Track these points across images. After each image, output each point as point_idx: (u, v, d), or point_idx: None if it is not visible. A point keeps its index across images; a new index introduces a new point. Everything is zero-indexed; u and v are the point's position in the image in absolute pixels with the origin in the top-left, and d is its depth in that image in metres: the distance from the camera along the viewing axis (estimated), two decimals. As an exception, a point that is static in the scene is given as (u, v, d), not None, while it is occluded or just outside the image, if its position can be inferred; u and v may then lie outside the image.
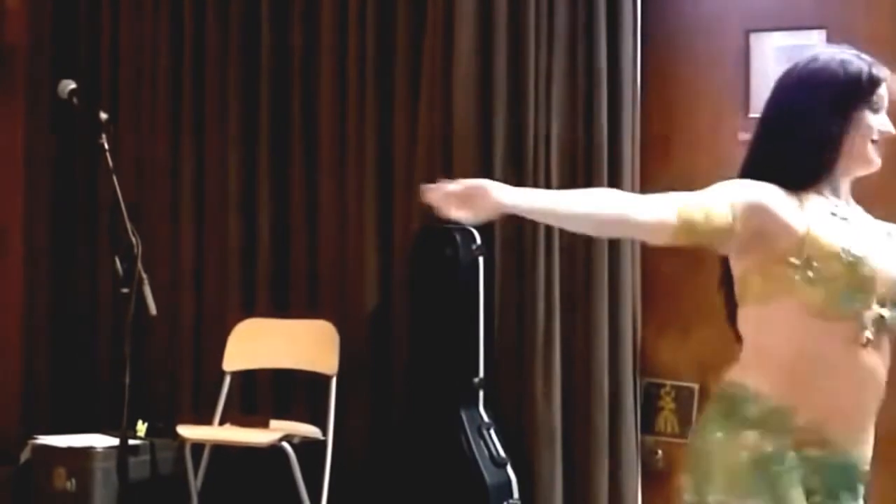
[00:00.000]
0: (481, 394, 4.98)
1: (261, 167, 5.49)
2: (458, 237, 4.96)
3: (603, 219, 2.44)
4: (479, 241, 4.98)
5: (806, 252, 2.52)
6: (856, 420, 2.59)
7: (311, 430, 5.07)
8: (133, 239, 4.16)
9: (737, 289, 2.61)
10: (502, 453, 4.92)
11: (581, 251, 4.93)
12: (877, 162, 2.62)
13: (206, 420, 5.28)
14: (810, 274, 2.51)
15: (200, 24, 5.61)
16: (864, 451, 2.61)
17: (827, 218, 2.57)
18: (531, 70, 5.04)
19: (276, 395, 5.43)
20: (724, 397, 2.59)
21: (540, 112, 5.06)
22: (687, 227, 2.43)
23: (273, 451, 4.95)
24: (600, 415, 4.97)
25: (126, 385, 4.17)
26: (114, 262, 4.23)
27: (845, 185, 2.65)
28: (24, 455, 5.28)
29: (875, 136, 2.61)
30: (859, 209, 2.69)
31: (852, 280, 2.53)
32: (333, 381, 5.09)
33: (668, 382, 5.11)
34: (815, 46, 2.80)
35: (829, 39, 4.88)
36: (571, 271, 5.03)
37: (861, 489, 2.62)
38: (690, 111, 5.07)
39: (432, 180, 5.46)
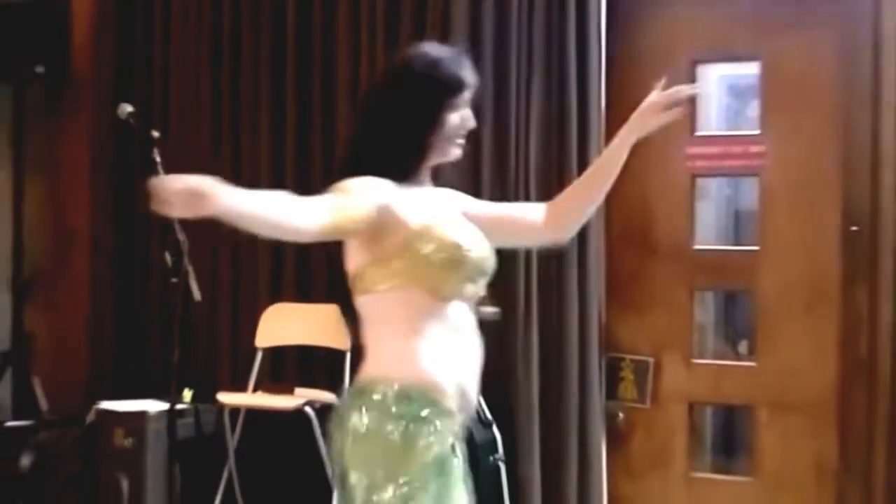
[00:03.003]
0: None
1: (287, 175, 5.54)
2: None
3: (271, 223, 2.33)
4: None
5: (423, 242, 2.56)
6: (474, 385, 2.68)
7: (329, 397, 5.16)
8: (180, 237, 4.50)
9: (353, 282, 2.61)
10: (489, 416, 5.06)
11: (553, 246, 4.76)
12: (457, 155, 2.70)
13: (241, 388, 5.42)
14: (431, 261, 2.55)
15: (236, 56, 5.76)
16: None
17: (429, 206, 2.61)
18: (512, 92, 5.16)
19: (300, 367, 5.52)
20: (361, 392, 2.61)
21: (520, 127, 5.15)
22: (338, 229, 2.44)
23: (298, 415, 5.08)
24: (571, 384, 5.10)
25: (175, 359, 4.52)
26: (164, 256, 4.62)
27: (427, 171, 2.71)
28: (90, 417, 5.41)
29: (459, 134, 2.68)
30: (435, 189, 2.75)
31: (473, 266, 2.61)
32: (348, 356, 5.12)
33: (628, 356, 5.26)
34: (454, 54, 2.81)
35: (763, 71, 5.01)
36: (546, 263, 5.11)
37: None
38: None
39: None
